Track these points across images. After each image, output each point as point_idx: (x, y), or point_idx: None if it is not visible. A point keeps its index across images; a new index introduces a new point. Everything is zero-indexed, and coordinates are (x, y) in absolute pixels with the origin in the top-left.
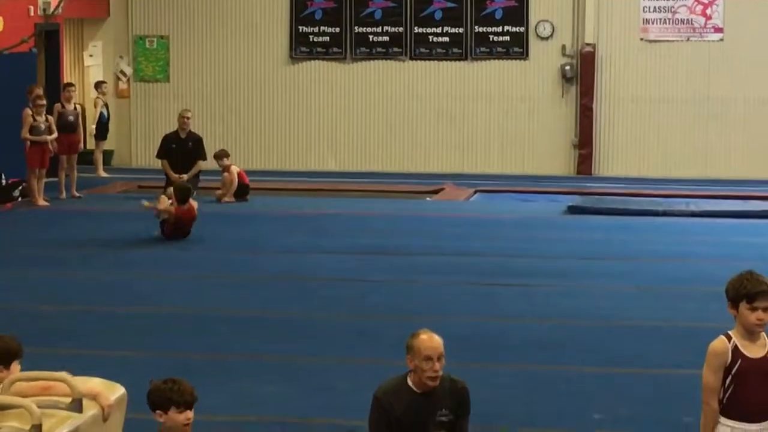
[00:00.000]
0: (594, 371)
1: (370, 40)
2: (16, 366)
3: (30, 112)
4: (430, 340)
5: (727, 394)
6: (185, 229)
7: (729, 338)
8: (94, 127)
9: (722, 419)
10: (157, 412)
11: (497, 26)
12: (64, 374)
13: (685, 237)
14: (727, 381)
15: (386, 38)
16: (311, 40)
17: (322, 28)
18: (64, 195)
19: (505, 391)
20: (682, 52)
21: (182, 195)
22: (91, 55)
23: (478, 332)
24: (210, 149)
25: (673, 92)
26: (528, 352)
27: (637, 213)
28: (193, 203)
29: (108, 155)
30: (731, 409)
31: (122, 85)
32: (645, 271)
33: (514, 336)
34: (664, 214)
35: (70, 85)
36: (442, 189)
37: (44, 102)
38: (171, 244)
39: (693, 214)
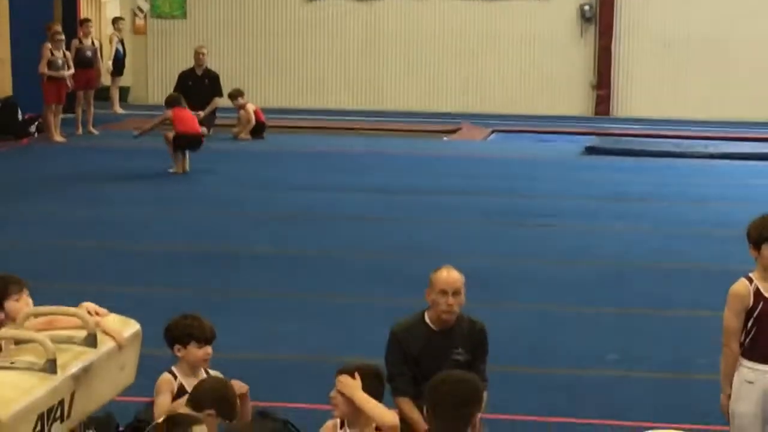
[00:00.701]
0: (610, 312)
1: None
2: (12, 304)
3: (49, 47)
4: (448, 274)
5: (749, 337)
6: (195, 137)
7: (750, 281)
8: (110, 63)
9: (743, 361)
10: (176, 346)
11: None
12: (78, 309)
13: (704, 179)
14: (749, 324)
15: None
16: None
17: None
18: (80, 131)
19: (519, 330)
20: None
21: (174, 99)
22: None
23: (494, 271)
24: (226, 86)
25: (693, 33)
26: (544, 291)
27: (655, 154)
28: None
29: (124, 92)
30: (752, 351)
31: (139, 22)
32: (663, 212)
33: (530, 275)
34: (683, 155)
35: (88, 20)
36: (459, 129)
37: (63, 37)
38: (186, 181)
39: (711, 156)
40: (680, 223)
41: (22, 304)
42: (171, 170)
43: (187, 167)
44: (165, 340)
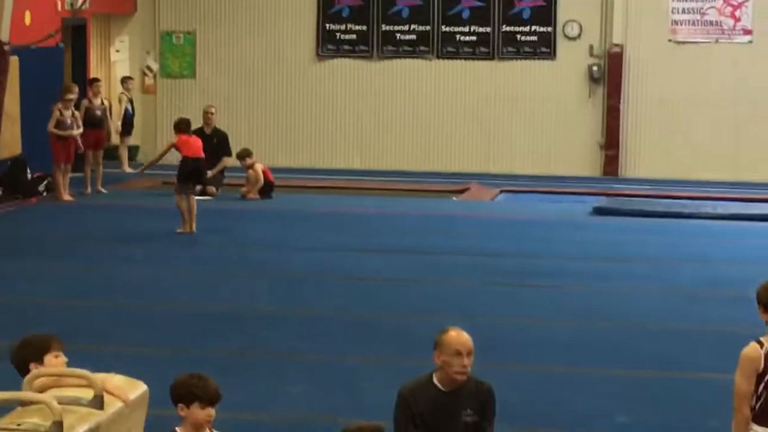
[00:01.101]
0: (619, 374)
1: (397, 38)
2: (51, 359)
3: (59, 106)
4: (459, 336)
5: (760, 401)
6: (199, 161)
7: (761, 345)
8: (119, 123)
9: (754, 426)
10: (180, 405)
11: (525, 26)
12: (85, 371)
13: (712, 240)
14: (760, 388)
15: (413, 37)
16: (338, 37)
17: (349, 25)
18: (89, 190)
19: (529, 392)
20: (710, 53)
21: (183, 124)
22: (117, 51)
23: (503, 332)
24: (235, 146)
25: (701, 94)
26: (553, 353)
27: (664, 215)
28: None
29: (133, 151)
30: (763, 416)
31: (148, 81)
32: (671, 273)
33: (538, 337)
34: (691, 216)
35: (97, 80)
36: (468, 188)
37: (73, 97)
38: (193, 241)
39: (720, 217)
40: (689, 285)
41: (59, 361)
42: (178, 230)
43: (194, 228)
44: (170, 398)
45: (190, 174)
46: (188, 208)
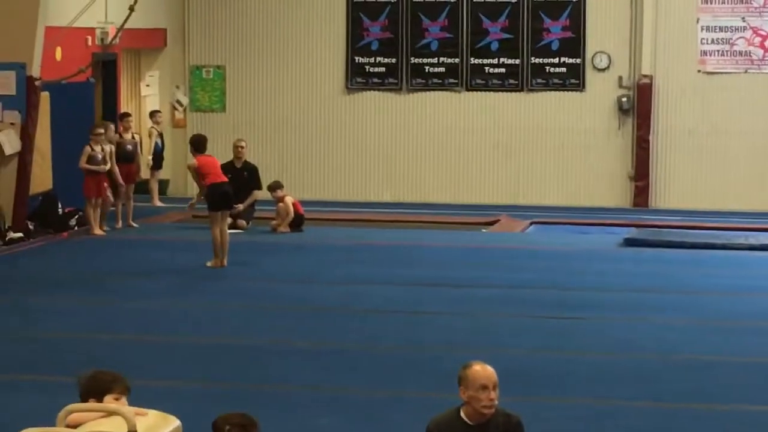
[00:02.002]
0: (652, 406)
1: (426, 70)
2: (110, 400)
3: (90, 146)
4: (484, 370)
5: None
6: (224, 186)
7: None
8: (150, 157)
9: None
10: None
11: (554, 57)
12: (118, 406)
13: (745, 271)
14: None
15: (442, 69)
16: (367, 70)
17: (378, 58)
18: (120, 224)
19: (558, 425)
20: (740, 83)
21: (202, 143)
22: (147, 85)
23: (533, 366)
24: (265, 179)
25: (730, 124)
26: (583, 385)
27: (695, 246)
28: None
29: (163, 185)
30: None
31: (178, 115)
32: (703, 304)
33: (568, 369)
34: (723, 247)
35: (128, 115)
36: (498, 220)
37: (102, 131)
38: (224, 274)
39: (752, 248)
40: (721, 316)
41: (119, 404)
42: (209, 264)
43: (225, 262)
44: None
45: (220, 200)
46: (221, 241)
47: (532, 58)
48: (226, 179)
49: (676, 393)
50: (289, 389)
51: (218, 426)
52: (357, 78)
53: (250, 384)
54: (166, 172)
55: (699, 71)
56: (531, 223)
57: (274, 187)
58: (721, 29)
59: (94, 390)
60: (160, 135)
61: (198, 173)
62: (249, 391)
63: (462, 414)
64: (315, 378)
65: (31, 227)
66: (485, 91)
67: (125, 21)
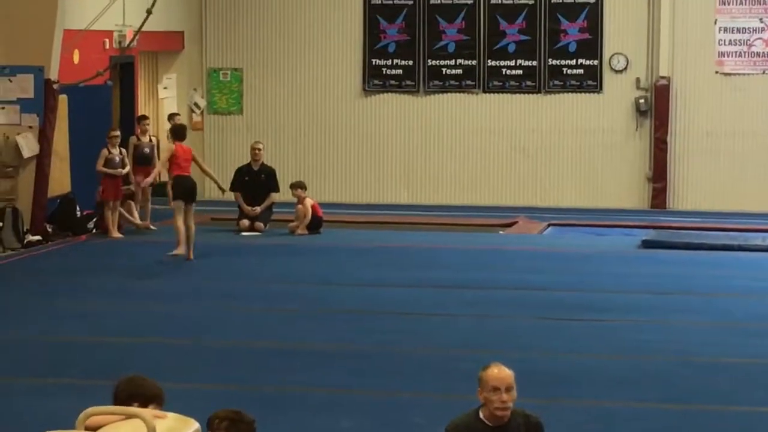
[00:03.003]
0: (669, 408)
1: (443, 72)
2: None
3: (107, 147)
4: (499, 371)
5: None
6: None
7: None
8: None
9: None
10: None
11: (571, 59)
12: (137, 409)
13: (762, 272)
14: None
15: (459, 71)
16: (384, 72)
17: (395, 60)
18: (138, 222)
19: (577, 427)
20: (757, 85)
21: (178, 131)
22: (165, 88)
23: (550, 367)
24: (283, 181)
25: (748, 125)
26: (602, 387)
27: (713, 248)
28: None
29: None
30: None
31: (196, 118)
32: (721, 306)
33: (587, 371)
34: (740, 248)
35: (145, 117)
36: (515, 222)
37: (116, 134)
38: (243, 276)
39: None
40: (739, 318)
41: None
42: (170, 253)
43: (192, 256)
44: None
45: (184, 192)
46: (186, 234)
47: (550, 60)
48: (189, 174)
49: (693, 395)
50: (308, 391)
51: (210, 421)
52: (374, 80)
53: (269, 386)
54: None
55: (717, 72)
56: (548, 225)
57: (296, 185)
58: (738, 30)
59: (137, 395)
60: None
61: (170, 161)
62: (269, 393)
63: (481, 415)
64: (334, 380)
65: (49, 230)
66: (502, 93)
67: (143, 24)
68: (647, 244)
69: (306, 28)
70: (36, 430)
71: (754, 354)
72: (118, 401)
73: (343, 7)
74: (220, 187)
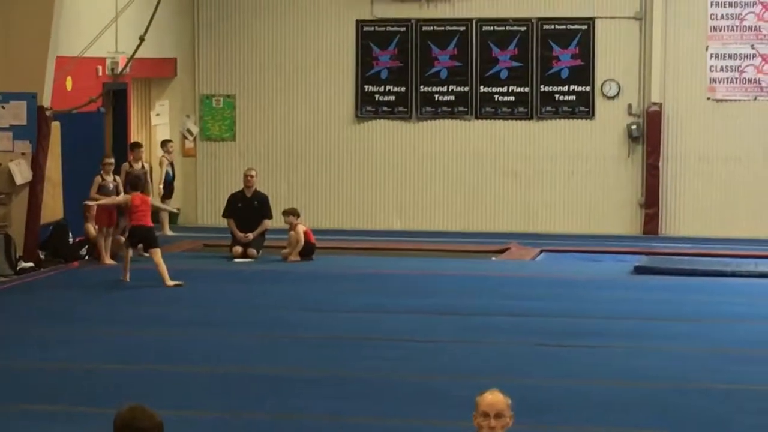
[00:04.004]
0: None
1: (436, 99)
2: None
3: (101, 173)
4: (492, 398)
5: None
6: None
7: None
8: (161, 187)
9: None
10: None
11: (563, 85)
12: None
13: (755, 298)
14: None
15: (452, 97)
16: (377, 99)
17: (387, 87)
18: (130, 254)
19: None
20: (749, 111)
21: (136, 184)
22: (158, 114)
23: (544, 394)
24: (276, 208)
25: (740, 151)
26: (594, 413)
27: (705, 273)
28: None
29: (174, 214)
30: None
31: (189, 144)
32: (714, 332)
33: (581, 398)
34: (733, 274)
35: (138, 144)
36: (508, 249)
37: (110, 161)
38: (234, 303)
39: (762, 275)
40: (732, 344)
41: None
42: (121, 278)
43: (128, 278)
44: None
45: (138, 241)
46: (157, 268)
47: (542, 86)
48: (151, 224)
49: (687, 420)
50: (301, 418)
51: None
52: (367, 107)
53: (262, 413)
54: (177, 201)
55: (708, 98)
56: (541, 251)
57: (289, 212)
58: (729, 57)
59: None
60: (171, 164)
61: (129, 208)
62: (265, 420)
63: None
64: (328, 407)
65: (42, 256)
66: (495, 119)
67: (135, 51)
68: (640, 270)
69: (298, 54)
70: None
71: (747, 380)
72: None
73: (336, 34)
74: (171, 212)
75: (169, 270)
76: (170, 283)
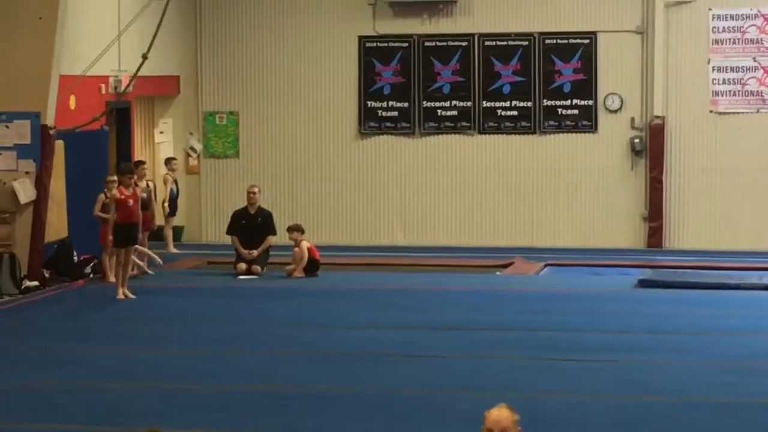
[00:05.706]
0: None
1: (439, 114)
2: None
3: (104, 192)
4: (498, 414)
5: None
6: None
7: None
8: (166, 205)
9: None
10: None
11: (566, 99)
12: None
13: (759, 311)
14: None
15: (455, 112)
16: (380, 114)
17: (390, 102)
18: (134, 271)
19: None
20: (752, 123)
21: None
22: (161, 132)
23: (549, 408)
24: (279, 224)
25: (743, 164)
26: (599, 427)
27: (710, 286)
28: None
29: (178, 231)
30: None
31: (192, 161)
32: (719, 345)
33: (586, 412)
34: (737, 287)
35: (142, 162)
36: (512, 263)
37: (113, 179)
38: (242, 321)
39: (766, 288)
40: (737, 357)
41: None
42: (118, 297)
43: (129, 293)
44: None
45: (125, 239)
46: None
47: (544, 101)
48: (136, 221)
49: None
50: None
51: None
52: (370, 122)
53: (270, 430)
54: (181, 218)
55: (711, 111)
56: (545, 265)
57: (294, 228)
58: (732, 69)
59: None
60: (175, 181)
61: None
62: None
63: None
64: (335, 423)
65: (46, 275)
66: (498, 133)
67: (138, 69)
68: (644, 284)
69: (301, 71)
70: None
71: (752, 393)
72: None
73: (338, 50)
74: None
75: (173, 287)
76: (124, 293)
